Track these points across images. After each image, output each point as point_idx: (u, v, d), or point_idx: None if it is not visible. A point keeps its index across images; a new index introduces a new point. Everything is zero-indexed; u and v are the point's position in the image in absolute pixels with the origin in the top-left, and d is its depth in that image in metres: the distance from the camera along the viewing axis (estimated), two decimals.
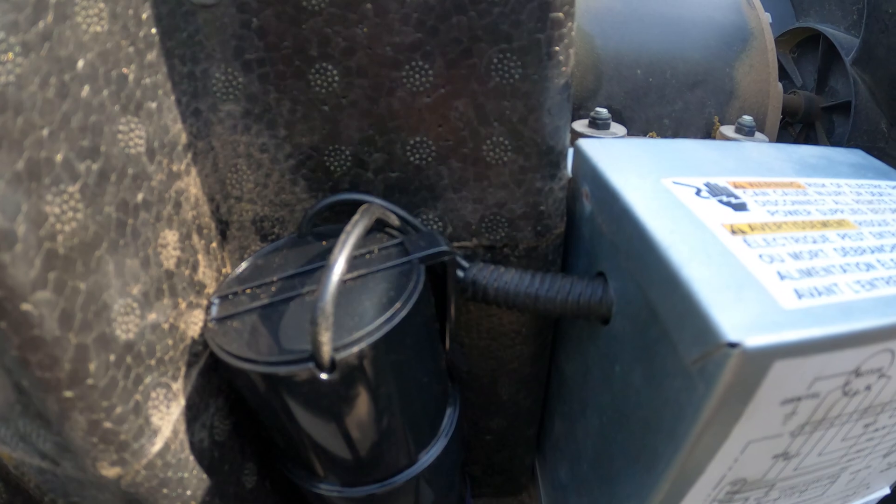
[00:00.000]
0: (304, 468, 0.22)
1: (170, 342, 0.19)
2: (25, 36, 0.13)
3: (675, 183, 0.21)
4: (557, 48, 0.21)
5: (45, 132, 0.14)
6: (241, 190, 0.23)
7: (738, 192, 0.21)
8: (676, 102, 0.37)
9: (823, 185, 0.23)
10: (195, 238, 0.21)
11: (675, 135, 0.37)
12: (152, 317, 0.18)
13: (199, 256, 0.21)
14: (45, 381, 0.15)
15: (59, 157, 0.14)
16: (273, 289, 0.20)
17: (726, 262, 0.17)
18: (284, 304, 0.19)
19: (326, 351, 0.17)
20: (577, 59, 0.37)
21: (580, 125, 0.32)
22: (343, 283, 0.20)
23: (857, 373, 0.16)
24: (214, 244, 0.22)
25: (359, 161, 0.23)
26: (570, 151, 0.26)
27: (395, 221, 0.22)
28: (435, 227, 0.24)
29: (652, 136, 0.37)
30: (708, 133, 0.38)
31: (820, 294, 0.16)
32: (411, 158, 0.23)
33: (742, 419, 0.16)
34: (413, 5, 0.20)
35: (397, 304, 0.18)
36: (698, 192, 0.21)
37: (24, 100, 0.13)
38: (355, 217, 0.19)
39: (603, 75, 0.36)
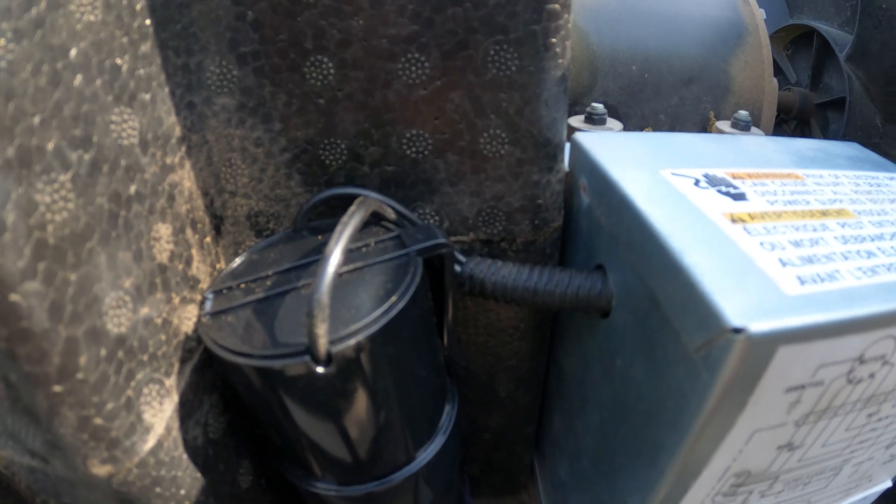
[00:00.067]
0: (300, 467, 0.22)
1: (163, 337, 0.18)
2: (18, 23, 0.13)
3: (673, 174, 0.21)
4: (554, 40, 0.21)
5: (37, 120, 0.14)
6: (235, 184, 0.23)
7: (736, 182, 0.21)
8: (672, 98, 0.37)
9: (821, 176, 0.23)
10: (189, 232, 0.20)
11: (670, 130, 0.37)
12: (145, 311, 0.17)
13: (193, 251, 0.21)
14: (33, 375, 0.14)
15: (50, 146, 0.14)
16: (268, 283, 0.20)
17: (727, 250, 0.17)
18: (280, 297, 0.19)
19: (322, 343, 0.16)
20: (573, 55, 0.37)
21: (576, 121, 0.32)
22: (339, 276, 0.19)
23: (861, 360, 0.16)
24: (208, 239, 0.22)
25: (354, 155, 0.23)
26: (567, 147, 0.26)
27: (392, 215, 0.22)
28: (432, 221, 0.24)
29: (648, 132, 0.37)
30: (704, 128, 0.38)
31: (822, 280, 0.16)
32: (407, 152, 0.23)
33: (747, 408, 0.15)
34: None
35: (394, 297, 0.18)
36: (697, 183, 0.21)
37: (15, 86, 0.13)
38: (351, 209, 0.19)
39: (598, 71, 0.36)
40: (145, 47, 0.18)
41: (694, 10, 0.39)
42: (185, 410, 0.19)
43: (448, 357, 0.25)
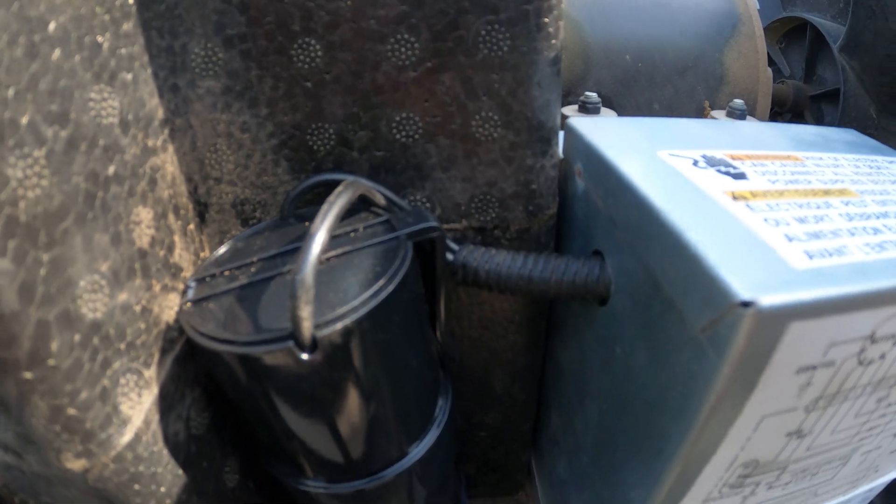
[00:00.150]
0: (287, 464, 0.21)
1: (142, 325, 0.17)
2: None
3: (671, 155, 0.21)
4: (546, 19, 0.20)
5: (11, 92, 0.13)
6: (220, 171, 0.22)
7: (735, 163, 0.21)
8: (666, 88, 0.37)
9: (821, 159, 0.23)
10: (171, 218, 0.20)
11: None
12: (122, 297, 0.17)
13: (176, 238, 0.20)
14: (1, 360, 0.13)
15: (24, 120, 0.13)
16: (252, 269, 0.19)
17: (731, 226, 0.16)
18: (264, 283, 0.18)
19: (307, 327, 0.15)
20: (565, 45, 0.36)
21: (570, 110, 0.32)
22: (326, 260, 0.18)
23: (873, 338, 0.16)
24: (192, 226, 0.21)
25: (343, 139, 0.22)
26: (560, 135, 0.25)
27: (381, 201, 0.21)
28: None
29: None
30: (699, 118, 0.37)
31: (830, 255, 0.15)
32: (397, 136, 0.22)
33: (756, 391, 0.15)
34: None
35: (383, 280, 0.17)
36: (695, 163, 0.20)
37: None
38: (338, 189, 0.18)
39: (592, 61, 0.36)
40: (127, 26, 0.18)
41: None
42: (166, 403, 0.18)
43: (441, 351, 0.24)
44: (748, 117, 0.33)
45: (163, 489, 0.18)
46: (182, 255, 0.20)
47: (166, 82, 0.20)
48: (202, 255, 0.22)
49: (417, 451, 0.22)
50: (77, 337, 0.15)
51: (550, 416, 0.30)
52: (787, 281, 0.14)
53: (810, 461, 0.20)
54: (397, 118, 0.22)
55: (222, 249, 0.20)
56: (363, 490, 0.21)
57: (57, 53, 0.15)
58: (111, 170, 0.17)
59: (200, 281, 0.19)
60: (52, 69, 0.14)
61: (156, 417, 0.18)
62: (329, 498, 0.21)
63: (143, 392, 0.17)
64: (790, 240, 0.16)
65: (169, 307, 0.19)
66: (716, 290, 0.14)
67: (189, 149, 0.21)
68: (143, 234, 0.18)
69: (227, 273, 0.19)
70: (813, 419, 0.17)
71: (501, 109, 0.21)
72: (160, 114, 0.19)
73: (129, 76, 0.18)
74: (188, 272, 0.20)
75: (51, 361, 0.14)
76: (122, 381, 0.16)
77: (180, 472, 0.19)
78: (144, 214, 0.18)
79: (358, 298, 0.17)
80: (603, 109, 0.31)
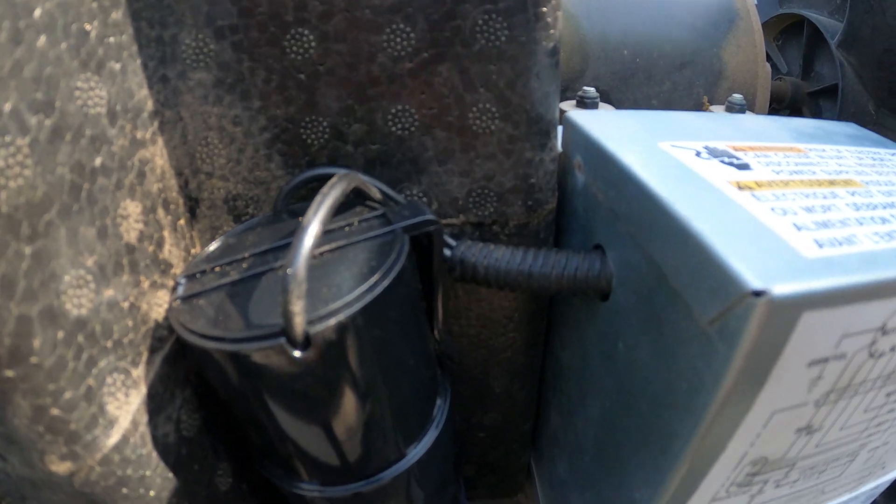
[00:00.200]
0: (281, 466, 0.20)
1: (129, 323, 0.17)
2: None
3: (672, 146, 0.20)
4: (545, 9, 0.20)
5: None
6: (212, 165, 0.21)
7: (738, 154, 0.20)
8: (664, 83, 0.36)
9: (824, 150, 0.22)
10: (160, 212, 0.19)
11: None
12: (109, 293, 0.16)
13: (165, 233, 0.19)
14: None
15: (7, 107, 0.13)
16: (244, 265, 0.18)
17: (738, 215, 0.16)
18: (256, 279, 0.18)
19: (299, 323, 0.15)
20: (562, 40, 0.36)
21: (567, 105, 0.31)
22: (320, 255, 0.18)
23: (884, 330, 0.15)
24: (182, 221, 0.21)
25: (337, 133, 0.21)
26: (559, 130, 0.25)
27: (377, 195, 0.21)
28: None
29: None
30: None
31: (840, 244, 0.15)
32: (393, 129, 0.21)
33: (767, 385, 0.14)
34: None
35: (379, 274, 0.17)
36: (698, 154, 0.20)
37: None
38: (332, 181, 0.17)
39: (589, 56, 0.35)
40: (116, 15, 0.17)
41: None
42: (155, 404, 0.18)
43: (440, 350, 0.24)
44: (747, 112, 0.33)
45: (152, 493, 0.17)
46: (172, 251, 0.19)
47: (156, 73, 0.19)
48: (193, 251, 0.21)
49: (415, 452, 0.21)
50: (61, 334, 0.14)
51: (550, 415, 0.29)
52: (798, 269, 0.13)
53: (819, 458, 0.19)
54: (393, 111, 0.21)
55: (213, 245, 0.20)
56: (360, 493, 0.20)
57: (42, 40, 0.14)
58: (98, 161, 0.16)
59: (190, 277, 0.18)
60: (38, 56, 0.14)
61: (144, 419, 0.17)
62: (325, 501, 0.20)
63: (130, 392, 0.17)
64: (799, 229, 0.15)
65: (158, 304, 0.18)
66: (725, 280, 0.13)
67: (179, 142, 0.20)
68: (131, 228, 0.17)
69: (217, 269, 0.18)
70: (823, 414, 0.17)
71: (499, 101, 0.21)
72: (149, 105, 0.19)
73: (118, 66, 0.17)
74: (178, 269, 0.20)
75: (33, 359, 0.13)
76: (109, 380, 0.16)
77: (170, 475, 0.18)
78: (132, 208, 0.17)
79: (352, 293, 0.16)
80: (601, 105, 0.31)
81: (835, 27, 0.40)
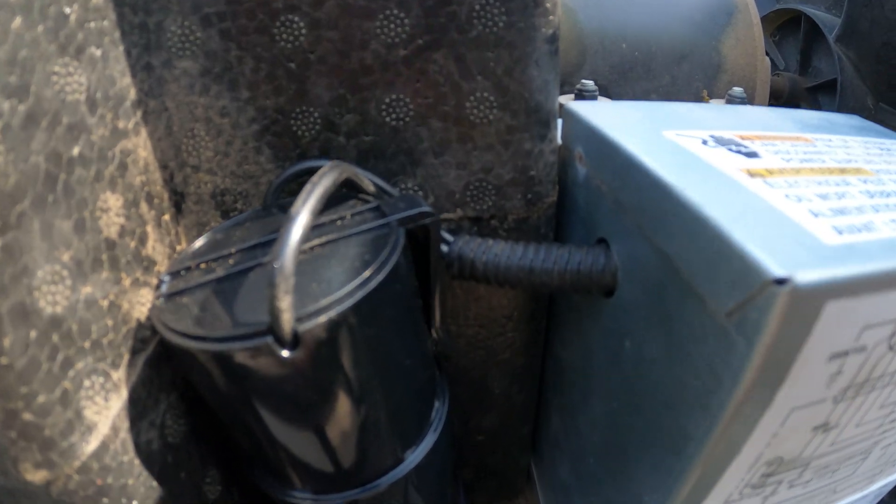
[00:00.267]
0: (273, 474, 0.19)
1: (109, 323, 0.16)
2: None
3: (678, 135, 0.19)
4: None
5: None
6: (198, 158, 0.20)
7: (746, 142, 0.20)
8: (663, 77, 0.36)
9: (830, 140, 0.22)
10: (143, 206, 0.18)
11: None
12: (87, 290, 0.15)
13: (149, 228, 0.18)
14: None
15: None
16: (231, 261, 0.17)
17: (753, 202, 0.15)
18: (242, 275, 0.17)
19: (287, 320, 0.14)
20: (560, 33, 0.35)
21: (566, 99, 0.31)
22: (310, 249, 0.17)
23: None
24: (167, 217, 0.20)
25: (329, 124, 0.21)
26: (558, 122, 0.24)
27: (370, 187, 0.20)
28: None
29: None
30: None
31: (859, 231, 0.14)
32: (387, 119, 0.21)
33: (787, 380, 0.13)
34: None
35: (372, 268, 0.16)
36: (705, 143, 0.19)
37: None
38: (322, 169, 0.16)
39: (587, 50, 0.35)
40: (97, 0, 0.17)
41: None
42: (137, 409, 0.17)
43: (437, 350, 0.23)
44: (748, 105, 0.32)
45: (135, 503, 0.16)
46: (155, 248, 0.18)
47: (139, 61, 0.18)
48: (178, 248, 0.20)
49: (414, 457, 0.20)
50: (33, 333, 0.13)
51: (551, 417, 0.28)
52: (821, 257, 0.13)
53: (833, 457, 0.19)
54: (387, 100, 0.20)
55: (199, 242, 0.19)
56: (355, 501, 0.19)
57: (17, 22, 0.13)
58: (75, 150, 0.15)
59: (174, 275, 0.17)
60: (12, 38, 0.13)
61: (125, 424, 0.16)
62: None
63: (110, 396, 0.16)
64: (816, 215, 0.15)
65: (140, 303, 0.17)
66: (745, 269, 0.13)
67: (164, 133, 0.19)
68: (112, 222, 0.16)
69: (203, 266, 0.18)
70: (840, 411, 0.16)
71: (497, 90, 0.20)
72: (132, 94, 0.18)
73: (98, 52, 0.16)
74: (162, 266, 0.19)
75: (3, 360, 0.13)
76: (87, 383, 0.15)
77: (154, 484, 0.17)
78: (113, 201, 0.16)
79: (344, 289, 0.15)
80: (599, 98, 0.30)
81: (832, 22, 0.40)
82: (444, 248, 0.21)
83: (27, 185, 0.13)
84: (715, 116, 0.23)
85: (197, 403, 0.19)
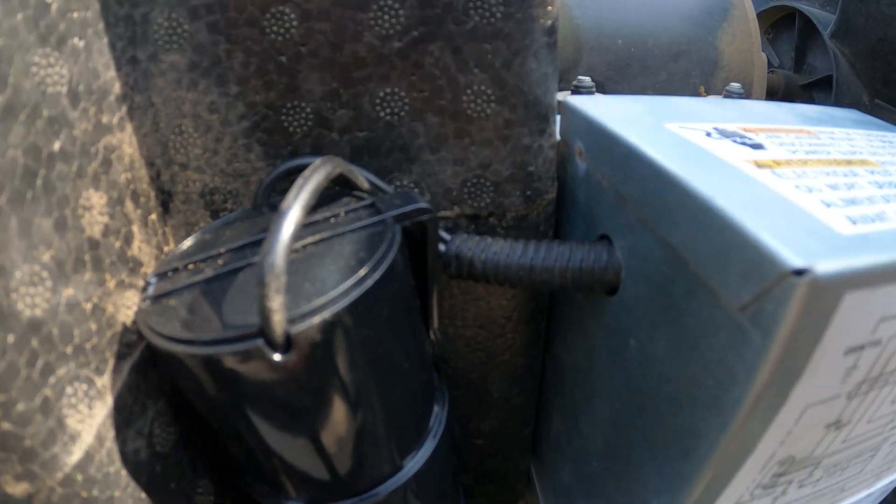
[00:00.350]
0: (266, 482, 0.19)
1: (93, 326, 0.15)
2: None
3: (681, 127, 0.19)
4: None
5: None
6: (186, 156, 0.20)
7: (750, 134, 0.19)
8: (660, 73, 0.35)
9: (833, 133, 0.21)
10: (129, 205, 0.17)
11: None
12: (68, 292, 0.14)
13: (134, 228, 0.17)
14: None
15: None
16: (220, 262, 0.17)
17: (763, 192, 0.14)
18: (232, 275, 0.16)
19: (279, 321, 0.13)
20: None
21: (562, 96, 0.30)
22: (303, 248, 0.16)
23: None
24: (154, 216, 0.19)
25: (321, 119, 0.20)
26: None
27: (364, 183, 0.19)
28: None
29: None
30: None
31: (873, 221, 0.14)
32: (381, 114, 0.20)
33: (804, 375, 0.13)
34: None
35: (368, 266, 0.15)
36: (709, 135, 0.18)
37: None
38: (315, 164, 0.16)
39: (583, 46, 0.34)
40: None
41: None
42: (123, 417, 0.16)
43: (435, 353, 0.22)
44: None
45: None
46: (142, 248, 0.18)
47: (124, 54, 0.18)
48: (166, 249, 0.20)
49: (413, 464, 0.19)
50: (11, 337, 0.12)
51: (552, 419, 0.28)
52: (838, 247, 0.12)
53: (843, 454, 0.18)
54: (381, 94, 0.20)
55: (188, 242, 0.18)
56: None
57: None
58: (56, 145, 0.14)
59: (161, 276, 0.17)
60: None
61: (111, 433, 0.15)
62: None
63: (94, 403, 0.15)
64: (828, 205, 0.14)
65: (126, 306, 0.17)
66: (760, 260, 0.12)
67: (150, 129, 0.19)
68: (95, 221, 0.16)
69: (191, 267, 0.17)
70: (853, 407, 0.16)
71: (495, 83, 0.20)
72: (117, 88, 0.17)
73: (81, 43, 0.16)
74: (149, 268, 0.18)
75: None
76: (69, 390, 0.14)
77: (143, 495, 0.16)
78: (96, 199, 0.16)
79: (338, 288, 0.14)
80: (596, 95, 0.30)
81: (827, 18, 0.40)
82: (442, 247, 0.20)
83: (4, 181, 0.13)
84: (716, 110, 0.22)
85: (186, 410, 0.19)
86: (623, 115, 0.20)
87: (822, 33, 0.40)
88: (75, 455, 0.14)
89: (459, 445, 0.29)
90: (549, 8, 0.19)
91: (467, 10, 0.19)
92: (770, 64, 0.48)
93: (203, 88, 0.19)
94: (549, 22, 0.19)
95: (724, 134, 0.19)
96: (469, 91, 0.20)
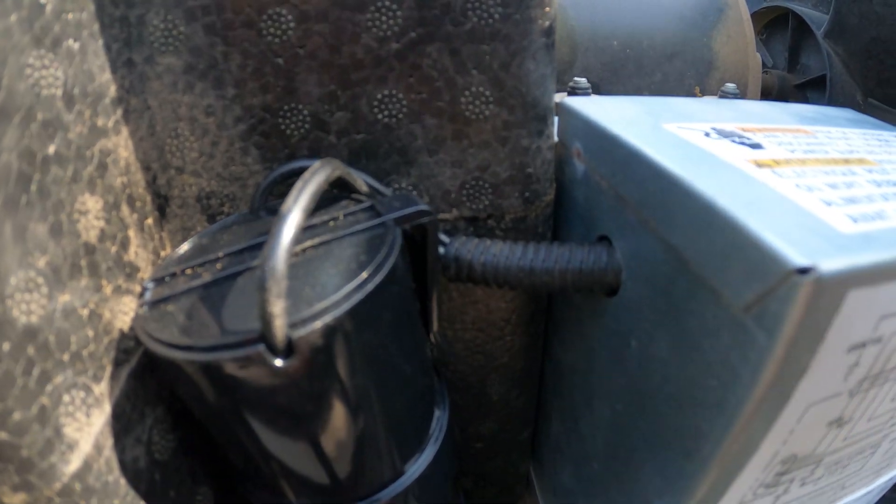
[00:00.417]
0: (267, 489, 0.18)
1: (90, 333, 0.15)
2: None
3: (679, 127, 0.19)
4: None
5: None
6: (182, 159, 0.19)
7: (748, 134, 0.19)
8: (655, 74, 0.35)
9: (830, 132, 0.22)
10: (125, 209, 0.17)
11: None
12: (65, 298, 0.14)
13: (131, 232, 0.17)
14: None
15: None
16: (218, 266, 0.17)
17: (764, 192, 0.14)
18: (230, 280, 0.16)
19: (280, 326, 0.13)
20: None
21: (558, 97, 0.30)
22: (302, 252, 0.16)
23: None
24: (150, 220, 0.19)
25: (319, 122, 0.20)
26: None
27: (363, 187, 0.19)
28: None
29: None
30: None
31: (873, 219, 0.14)
32: (379, 116, 0.20)
33: (807, 374, 0.13)
34: None
35: (369, 270, 0.15)
36: (707, 135, 0.18)
37: None
38: (314, 166, 0.16)
39: (578, 47, 0.34)
40: None
41: None
42: (122, 425, 0.16)
43: (435, 356, 0.22)
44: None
45: None
46: (138, 253, 0.18)
47: (120, 56, 0.17)
48: (162, 253, 0.19)
49: (415, 469, 0.19)
50: (7, 345, 0.12)
51: (551, 421, 0.27)
52: (840, 245, 0.12)
53: (844, 452, 0.18)
54: (379, 96, 0.20)
55: (185, 246, 0.18)
56: None
57: None
58: (51, 149, 0.14)
59: (158, 281, 0.16)
60: None
61: (109, 442, 0.15)
62: None
63: (92, 411, 0.15)
64: (829, 204, 0.14)
65: (123, 312, 0.16)
66: (763, 260, 0.12)
67: (147, 133, 0.19)
68: (91, 226, 0.15)
69: (188, 271, 0.17)
70: (854, 404, 0.16)
71: (493, 84, 0.20)
72: (112, 91, 0.17)
73: (76, 45, 0.16)
74: (146, 273, 0.18)
75: None
76: (66, 398, 0.14)
77: None
78: (92, 203, 0.16)
79: (340, 292, 0.14)
80: (593, 96, 0.30)
81: (820, 18, 0.40)
82: (441, 249, 0.20)
83: None
84: (713, 110, 0.22)
85: (185, 416, 0.18)
86: (622, 117, 0.20)
87: (815, 33, 0.40)
88: (73, 464, 0.14)
89: (459, 449, 0.28)
90: (548, 9, 0.19)
91: (465, 11, 0.19)
92: (764, 64, 0.49)
93: (199, 91, 0.19)
94: (548, 23, 0.19)
95: (722, 134, 0.19)
96: (467, 92, 0.20)
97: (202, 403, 0.16)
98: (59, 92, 0.15)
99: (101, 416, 0.15)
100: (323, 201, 0.19)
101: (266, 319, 0.13)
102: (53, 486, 0.13)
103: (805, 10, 0.43)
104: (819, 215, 0.13)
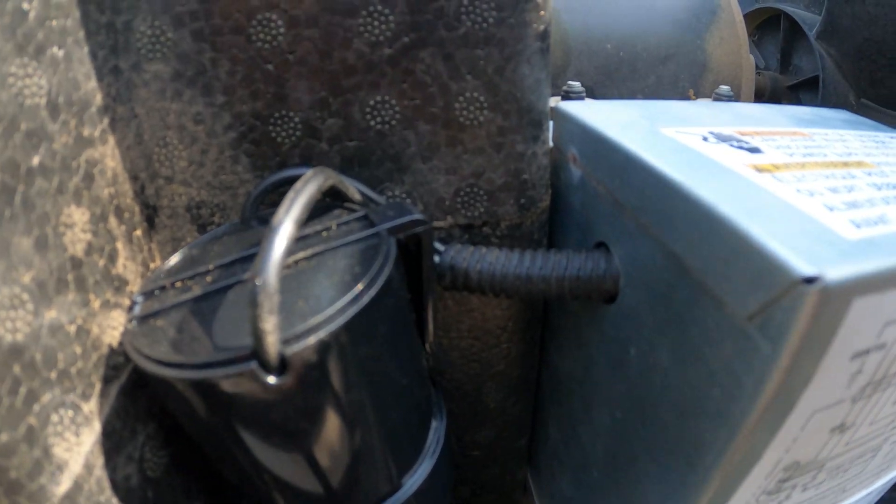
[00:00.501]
0: None
1: (78, 350, 0.14)
2: None
3: (677, 132, 0.19)
4: None
5: None
6: (171, 169, 0.19)
7: (746, 138, 0.19)
8: (649, 77, 0.35)
9: (827, 134, 0.21)
10: (112, 221, 0.17)
11: None
12: (51, 314, 0.14)
13: (119, 245, 0.17)
14: None
15: None
16: (208, 279, 0.16)
17: (766, 197, 0.14)
18: (221, 293, 0.15)
19: (272, 343, 0.13)
20: None
21: (552, 102, 0.30)
22: (294, 263, 0.16)
23: None
24: (139, 232, 0.18)
25: (310, 129, 0.19)
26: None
27: (356, 195, 0.19)
28: None
29: None
30: None
31: (875, 224, 0.14)
32: (372, 123, 0.19)
33: (812, 383, 0.13)
34: None
35: (363, 282, 0.15)
36: (705, 139, 0.18)
37: None
38: (306, 176, 0.15)
39: (571, 50, 0.34)
40: None
41: None
42: (112, 443, 0.15)
43: (432, 366, 0.22)
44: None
45: None
46: (127, 266, 0.17)
47: (106, 63, 0.17)
48: (151, 265, 0.19)
49: (412, 482, 0.19)
50: None
51: (549, 428, 0.27)
52: (845, 252, 0.12)
53: (846, 456, 0.18)
54: (371, 102, 0.19)
55: (174, 258, 0.18)
56: None
57: None
58: (35, 160, 0.14)
59: (148, 295, 0.16)
60: None
61: (100, 461, 0.15)
62: None
63: (81, 430, 0.14)
64: (831, 209, 0.14)
65: (111, 327, 0.16)
66: (769, 268, 0.12)
67: (134, 142, 0.18)
68: (77, 238, 0.15)
69: (178, 284, 0.16)
70: (857, 410, 0.16)
71: (488, 89, 0.19)
72: (98, 99, 0.17)
73: (61, 52, 0.15)
74: (135, 286, 0.17)
75: None
76: (55, 417, 0.13)
77: None
78: (78, 216, 0.15)
79: (334, 306, 0.14)
80: (587, 100, 0.30)
81: (812, 20, 0.40)
82: (436, 258, 0.20)
83: None
84: (709, 113, 0.22)
85: (177, 432, 0.18)
86: (618, 121, 0.20)
87: (807, 34, 0.41)
88: (63, 485, 0.13)
89: (456, 457, 0.28)
90: (542, 13, 0.19)
91: (459, 15, 0.18)
92: (756, 66, 0.49)
93: (188, 98, 0.19)
94: (542, 27, 0.19)
95: (720, 138, 0.18)
96: (461, 98, 0.19)
97: (194, 420, 0.15)
98: (44, 101, 0.14)
99: (90, 435, 0.14)
100: (315, 210, 0.19)
101: (258, 336, 0.13)
102: None
103: (797, 12, 0.43)
104: (822, 221, 0.13)
